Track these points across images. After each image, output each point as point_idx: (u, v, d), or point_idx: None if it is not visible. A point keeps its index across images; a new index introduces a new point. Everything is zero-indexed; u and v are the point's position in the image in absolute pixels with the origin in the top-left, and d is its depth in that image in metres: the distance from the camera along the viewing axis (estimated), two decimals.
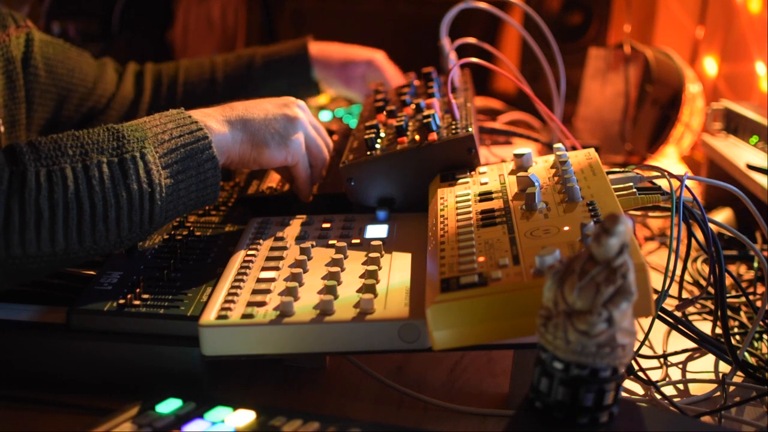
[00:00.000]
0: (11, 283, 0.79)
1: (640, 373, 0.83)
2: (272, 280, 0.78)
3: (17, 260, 0.74)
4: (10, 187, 0.73)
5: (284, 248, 0.85)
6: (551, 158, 0.89)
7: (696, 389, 0.85)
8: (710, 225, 0.81)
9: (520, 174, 0.83)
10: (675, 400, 0.81)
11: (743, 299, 0.98)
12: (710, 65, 1.66)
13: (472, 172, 0.91)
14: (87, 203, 0.75)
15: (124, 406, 0.66)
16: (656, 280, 0.81)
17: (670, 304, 0.96)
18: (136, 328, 0.76)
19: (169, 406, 0.66)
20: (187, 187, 0.81)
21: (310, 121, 0.96)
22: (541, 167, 0.88)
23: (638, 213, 1.07)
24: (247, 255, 0.84)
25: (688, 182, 0.81)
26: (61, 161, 0.75)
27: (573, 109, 1.61)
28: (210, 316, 0.73)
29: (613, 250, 0.57)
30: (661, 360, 0.89)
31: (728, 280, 0.97)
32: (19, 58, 1.07)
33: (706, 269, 1.09)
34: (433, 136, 0.93)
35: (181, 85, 1.29)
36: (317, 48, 1.34)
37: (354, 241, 0.86)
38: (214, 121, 0.86)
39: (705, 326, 0.95)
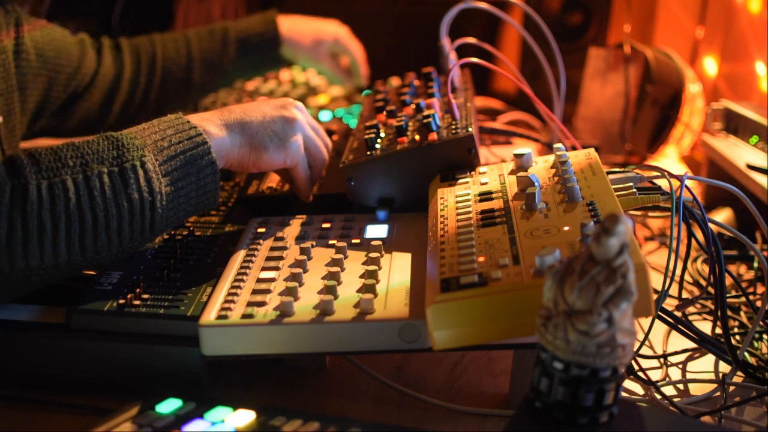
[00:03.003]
0: (14, 295, 0.79)
1: (640, 373, 0.83)
2: (272, 280, 0.78)
3: (21, 273, 0.74)
4: (12, 200, 0.72)
5: (284, 248, 0.85)
6: (551, 158, 0.89)
7: (696, 389, 0.85)
8: (710, 225, 0.81)
9: (520, 174, 0.83)
10: (675, 400, 0.81)
11: (743, 299, 0.98)
12: (710, 65, 1.65)
13: (472, 172, 0.91)
14: (89, 214, 0.74)
15: (124, 406, 0.66)
16: (656, 280, 0.81)
17: (670, 304, 0.96)
18: (136, 328, 0.76)
19: (169, 406, 0.66)
20: (187, 194, 0.81)
21: (308, 122, 0.96)
22: (541, 167, 0.88)
23: (638, 213, 1.07)
24: (247, 255, 0.84)
25: (688, 182, 0.81)
26: (62, 173, 0.74)
27: (573, 109, 1.61)
28: (210, 316, 0.73)
29: (613, 250, 0.57)
30: (661, 360, 0.89)
31: (728, 280, 0.97)
32: (10, 48, 1.05)
33: (706, 269, 1.09)
34: (433, 136, 0.93)
35: (159, 61, 1.31)
36: (287, 25, 1.40)
37: (354, 241, 0.86)
38: (212, 125, 0.86)
39: (705, 326, 0.95)
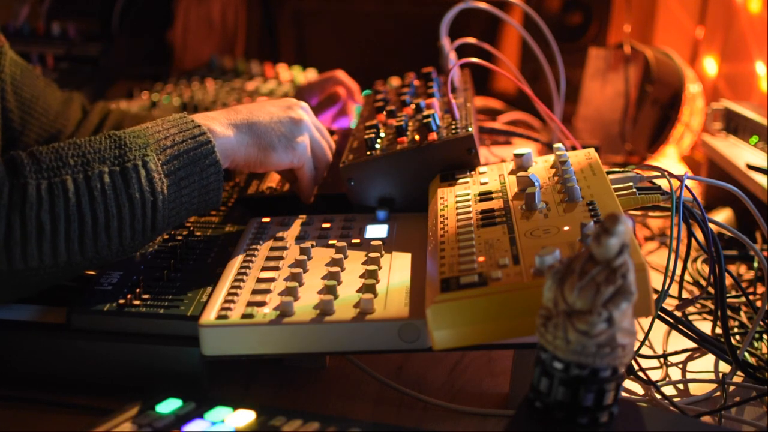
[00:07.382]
0: (14, 296, 0.79)
1: (640, 373, 0.83)
2: (272, 280, 0.78)
3: (19, 274, 0.74)
4: (10, 201, 0.72)
5: (284, 248, 0.85)
6: (551, 158, 0.89)
7: (696, 389, 0.85)
8: (710, 225, 0.81)
9: (520, 174, 0.83)
10: (675, 400, 0.81)
11: (743, 299, 0.98)
12: (710, 65, 1.65)
13: (472, 172, 0.91)
14: (89, 215, 0.74)
15: (124, 406, 0.66)
16: (656, 280, 0.81)
17: (670, 304, 0.96)
18: (136, 328, 0.76)
19: (169, 406, 0.66)
20: (189, 194, 0.81)
21: (313, 123, 0.96)
22: (541, 167, 0.88)
23: (638, 213, 1.07)
24: (247, 255, 0.84)
25: (688, 182, 0.81)
26: (62, 172, 0.74)
27: (573, 109, 1.61)
28: (210, 316, 0.73)
29: (613, 250, 0.57)
30: (661, 360, 0.89)
31: (728, 280, 0.97)
32: None
33: (706, 269, 1.09)
34: (433, 136, 0.93)
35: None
36: None
37: (354, 241, 0.86)
38: (218, 124, 0.85)
39: (705, 326, 0.94)
